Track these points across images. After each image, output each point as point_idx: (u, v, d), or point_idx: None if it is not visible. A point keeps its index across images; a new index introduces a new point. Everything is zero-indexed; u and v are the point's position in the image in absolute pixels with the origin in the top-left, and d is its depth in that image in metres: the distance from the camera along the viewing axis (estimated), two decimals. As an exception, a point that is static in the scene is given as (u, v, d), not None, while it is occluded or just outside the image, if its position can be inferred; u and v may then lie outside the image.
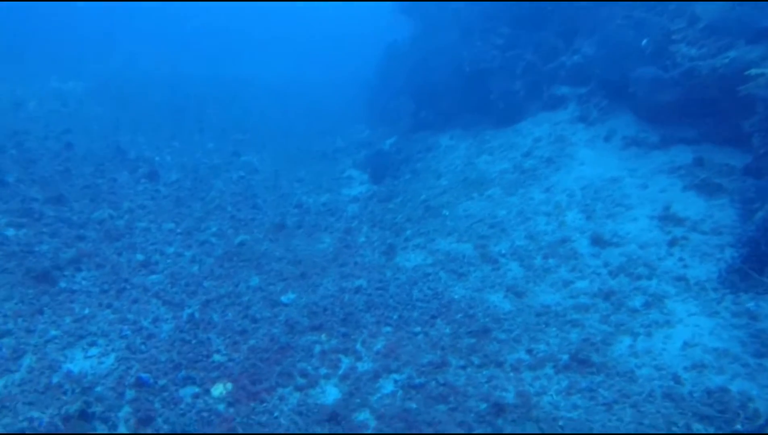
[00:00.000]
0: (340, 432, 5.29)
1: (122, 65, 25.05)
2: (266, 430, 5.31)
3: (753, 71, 7.46)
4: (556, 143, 10.99)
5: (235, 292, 7.89)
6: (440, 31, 17.41)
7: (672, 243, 7.35)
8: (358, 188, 12.92)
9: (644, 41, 9.75)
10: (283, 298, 7.81)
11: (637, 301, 6.57)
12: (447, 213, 9.98)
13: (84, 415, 5.18)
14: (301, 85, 28.89)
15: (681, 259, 7.06)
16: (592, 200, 8.91)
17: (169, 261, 8.61)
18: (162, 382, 5.91)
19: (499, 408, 5.33)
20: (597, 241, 7.82)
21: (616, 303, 6.62)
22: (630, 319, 6.33)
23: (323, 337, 6.82)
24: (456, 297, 7.44)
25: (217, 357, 6.38)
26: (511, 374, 5.90)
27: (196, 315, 7.21)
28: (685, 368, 5.52)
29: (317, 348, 6.61)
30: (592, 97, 11.52)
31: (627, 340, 6.06)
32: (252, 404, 5.65)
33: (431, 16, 18.47)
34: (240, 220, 10.42)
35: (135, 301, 7.38)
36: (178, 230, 9.60)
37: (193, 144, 15.32)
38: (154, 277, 8.12)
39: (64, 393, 5.58)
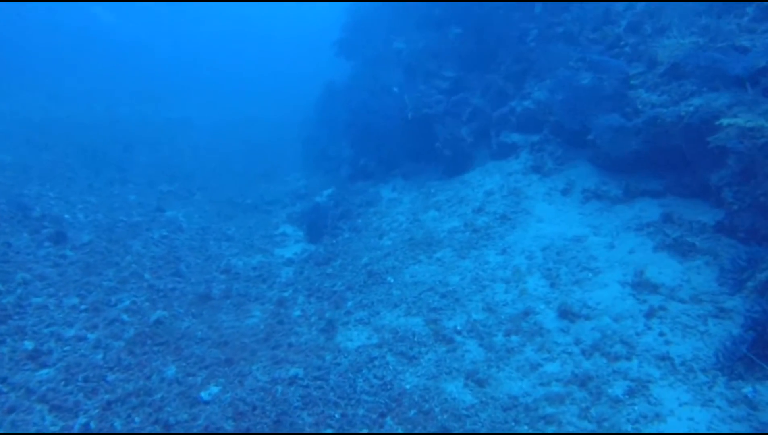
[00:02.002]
0: None
1: (43, 102, 23.50)
2: None
3: (725, 121, 7.24)
4: (510, 196, 10.56)
5: (146, 387, 6.72)
6: (382, 71, 17.14)
7: (649, 314, 6.85)
8: (293, 248, 12.02)
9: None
10: (204, 394, 6.72)
11: (618, 388, 5.94)
12: (392, 280, 9.22)
13: None
14: (239, 124, 28.61)
15: (662, 334, 6.54)
16: (555, 263, 8.39)
17: (66, 348, 7.31)
18: None
19: None
20: (565, 313, 7.23)
21: (595, 391, 5.96)
22: (614, 411, 5.66)
23: (242, 448, 5.78)
24: (407, 387, 6.58)
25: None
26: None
27: (92, 425, 6.00)
28: (685, 477, 4.87)
29: (233, 466, 5.55)
30: (546, 145, 11.26)
31: (612, 440, 5.38)
32: None
33: (372, 55, 18.24)
34: (159, 290, 9.28)
35: (11, 410, 6.07)
36: (83, 306, 8.32)
37: (112, 197, 14.03)
38: (43, 371, 6.81)
39: None
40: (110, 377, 6.79)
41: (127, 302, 8.66)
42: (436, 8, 15.46)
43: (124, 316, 8.24)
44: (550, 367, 6.51)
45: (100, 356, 7.18)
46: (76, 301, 8.34)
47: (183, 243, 11.71)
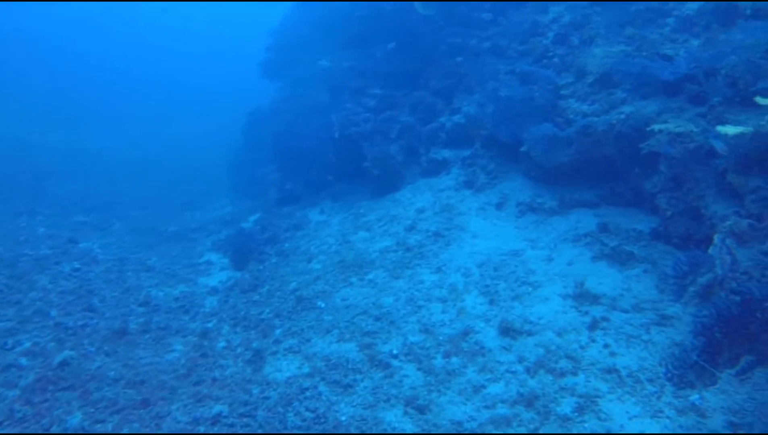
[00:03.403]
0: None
1: None
2: None
3: (656, 127, 7.43)
4: (443, 213, 10.47)
5: (38, 440, 6.02)
6: (308, 91, 16.94)
7: (592, 326, 6.81)
8: (218, 276, 11.42)
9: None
10: (108, 443, 6.10)
11: (566, 406, 5.80)
12: (323, 304, 8.84)
13: None
14: (162, 150, 27.78)
15: (606, 346, 6.50)
16: (493, 279, 8.29)
17: None
18: None
19: None
20: (506, 330, 7.09)
21: (543, 410, 5.79)
22: (563, 430, 5.50)
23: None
24: (343, 419, 6.20)
25: None
26: None
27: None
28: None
29: None
30: (478, 159, 11.30)
31: (563, 462, 5.20)
32: None
33: (297, 75, 18.02)
34: (67, 328, 8.49)
35: None
36: None
37: (17, 230, 12.94)
38: None
39: None
40: (-4, 431, 6.04)
41: (28, 344, 7.86)
42: (361, 27, 15.48)
43: (22, 360, 7.46)
44: (494, 388, 6.31)
45: (-15, 408, 6.41)
46: (-45, 346, 7.49)
47: (98, 275, 10.90)
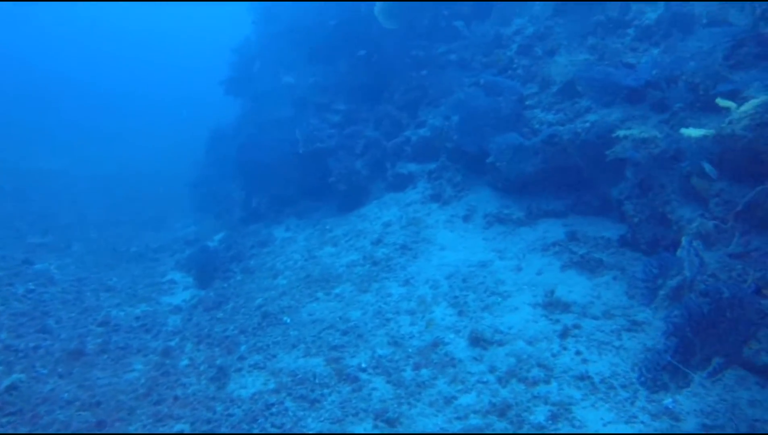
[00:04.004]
0: None
1: None
2: None
3: (621, 133, 7.55)
4: (410, 227, 10.43)
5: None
6: (272, 107, 16.85)
7: (564, 334, 6.80)
8: (181, 295, 11.15)
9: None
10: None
11: (540, 414, 5.73)
12: (288, 320, 8.67)
13: None
14: (121, 169, 27.44)
15: (578, 353, 6.48)
16: (462, 291, 8.24)
17: None
18: None
19: None
20: (476, 340, 7.03)
21: (516, 420, 5.71)
22: (537, 440, 5.43)
23: None
24: (309, 436, 6.03)
25: None
26: None
27: None
28: (618, 501, 4.68)
29: None
30: (444, 172, 11.32)
31: (538, 471, 5.12)
32: None
33: (261, 91, 17.91)
34: (17, 350, 8.11)
35: None
36: None
37: None
38: None
39: None
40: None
41: (-31, 370, 7.49)
42: (326, 41, 15.50)
43: (-39, 387, 7.08)
44: (466, 399, 6.22)
45: None
46: None
47: (54, 296, 10.51)
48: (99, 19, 53.63)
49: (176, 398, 7.17)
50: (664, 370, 4.94)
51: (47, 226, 16.27)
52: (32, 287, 10.83)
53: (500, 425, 5.70)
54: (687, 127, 6.88)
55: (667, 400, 5.60)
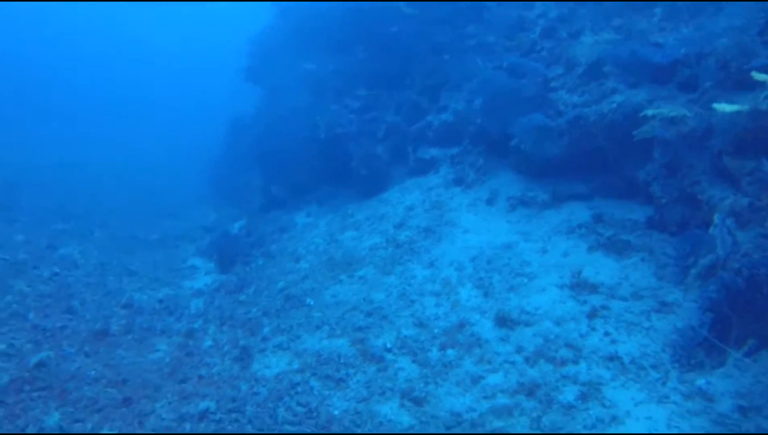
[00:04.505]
0: None
1: None
2: None
3: (649, 111, 7.33)
4: (433, 210, 10.29)
5: (14, 443, 5.68)
6: (290, 95, 16.72)
7: (592, 315, 6.64)
8: (203, 279, 11.13)
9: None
10: (89, 443, 5.77)
11: (569, 394, 5.59)
12: (311, 302, 8.60)
13: None
14: (141, 164, 27.48)
15: (607, 334, 6.32)
16: (487, 272, 8.10)
17: None
18: None
19: None
20: (502, 321, 6.90)
21: (545, 399, 5.58)
22: (568, 419, 5.29)
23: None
24: (336, 413, 5.94)
25: None
26: None
27: None
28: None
29: None
30: (467, 156, 11.15)
31: (569, 450, 4.99)
32: None
33: (280, 80, 17.78)
34: (45, 330, 8.13)
35: None
36: None
37: None
38: None
39: None
40: (-36, 435, 5.70)
41: (2, 346, 7.49)
42: (344, 29, 15.33)
43: (-5, 362, 7.10)
44: (493, 379, 6.10)
45: (-48, 414, 6.05)
46: None
47: (78, 280, 10.54)
48: (100, 20, 53.64)
49: (201, 377, 7.14)
50: (700, 347, 4.79)
51: (69, 214, 16.36)
52: (57, 270, 10.87)
53: (529, 404, 5.58)
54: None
55: (701, 381, 5.42)
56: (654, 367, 5.76)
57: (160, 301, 9.83)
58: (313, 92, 15.78)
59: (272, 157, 15.54)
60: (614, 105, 8.39)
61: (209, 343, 8.14)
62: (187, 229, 15.37)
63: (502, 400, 5.74)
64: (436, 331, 7.15)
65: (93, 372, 7.08)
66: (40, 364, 7.03)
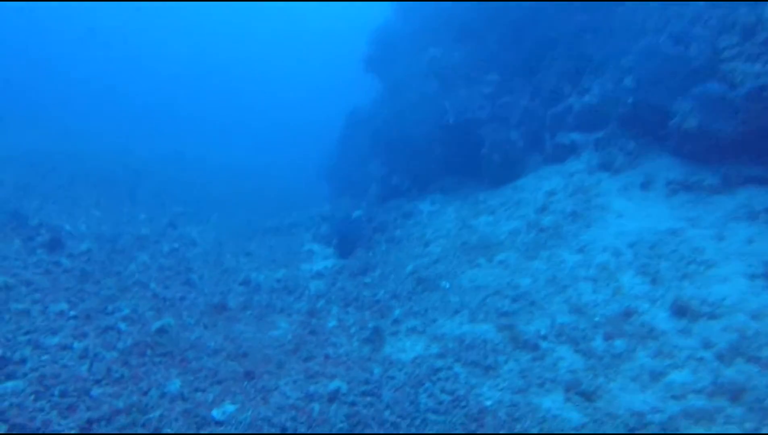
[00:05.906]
0: None
1: (47, 136, 23.18)
2: None
3: None
4: (578, 195, 9.13)
5: (141, 403, 5.25)
6: (413, 85, 15.99)
7: (799, 310, 5.28)
8: (321, 263, 10.66)
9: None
10: (216, 413, 5.24)
11: (788, 402, 4.35)
12: (447, 285, 7.77)
13: None
14: (256, 163, 28.74)
15: (824, 333, 4.96)
16: (651, 259, 6.87)
17: (44, 357, 5.89)
18: None
19: None
20: (681, 311, 5.70)
21: (757, 407, 4.36)
22: (793, 432, 4.07)
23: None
24: (488, 404, 5.05)
25: None
26: None
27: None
28: None
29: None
30: (614, 139, 9.84)
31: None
32: None
33: (402, 70, 17.13)
34: (165, 299, 7.94)
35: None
36: (72, 313, 6.93)
37: (119, 214, 13.02)
38: (9, 384, 5.40)
39: None
40: (96, 392, 5.32)
41: (127, 311, 7.26)
42: (470, 17, 14.38)
43: (122, 325, 6.83)
44: (678, 376, 4.95)
45: (85, 368, 5.73)
46: (64, 307, 6.95)
47: (196, 256, 10.47)
48: (101, 24, 54.88)
49: (327, 357, 6.48)
50: None
51: (187, 199, 16.96)
52: (176, 246, 10.84)
53: (736, 411, 4.39)
54: None
55: None
56: None
57: (278, 281, 9.43)
58: (440, 79, 14.91)
59: (394, 145, 14.84)
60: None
61: (333, 323, 7.51)
62: (302, 218, 15.10)
63: (696, 401, 4.59)
64: (597, 318, 6.07)
65: (212, 343, 6.63)
66: (162, 330, 6.67)
